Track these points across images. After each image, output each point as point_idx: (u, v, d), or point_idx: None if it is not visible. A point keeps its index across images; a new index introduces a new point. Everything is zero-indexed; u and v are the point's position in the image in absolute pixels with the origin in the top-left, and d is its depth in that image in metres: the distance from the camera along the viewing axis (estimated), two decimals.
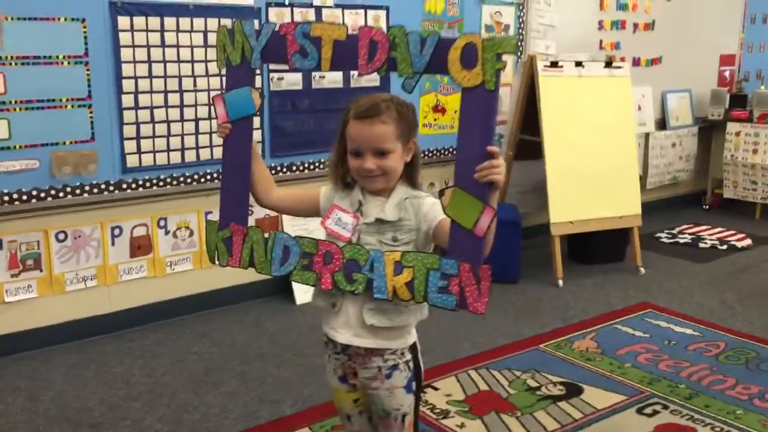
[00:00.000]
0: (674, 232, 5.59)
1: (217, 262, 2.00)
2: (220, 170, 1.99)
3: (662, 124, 5.92)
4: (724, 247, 5.23)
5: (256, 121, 3.70)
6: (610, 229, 4.58)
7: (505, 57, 1.57)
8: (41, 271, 3.37)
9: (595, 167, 4.45)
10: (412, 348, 1.88)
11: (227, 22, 3.56)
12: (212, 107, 2.01)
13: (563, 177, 4.36)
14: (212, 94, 3.59)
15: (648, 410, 2.90)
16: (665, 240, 5.40)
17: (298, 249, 1.83)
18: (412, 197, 1.81)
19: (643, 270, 4.62)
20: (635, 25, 5.48)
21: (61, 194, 3.29)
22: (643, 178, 5.51)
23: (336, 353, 1.89)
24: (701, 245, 5.27)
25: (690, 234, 5.53)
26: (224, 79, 1.93)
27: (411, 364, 1.87)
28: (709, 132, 6.25)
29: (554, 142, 4.36)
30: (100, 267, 3.52)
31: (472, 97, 1.61)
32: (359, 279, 1.75)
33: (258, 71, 3.62)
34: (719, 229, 5.64)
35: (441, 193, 1.66)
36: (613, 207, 4.55)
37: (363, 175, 1.79)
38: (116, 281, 3.58)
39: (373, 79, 3.94)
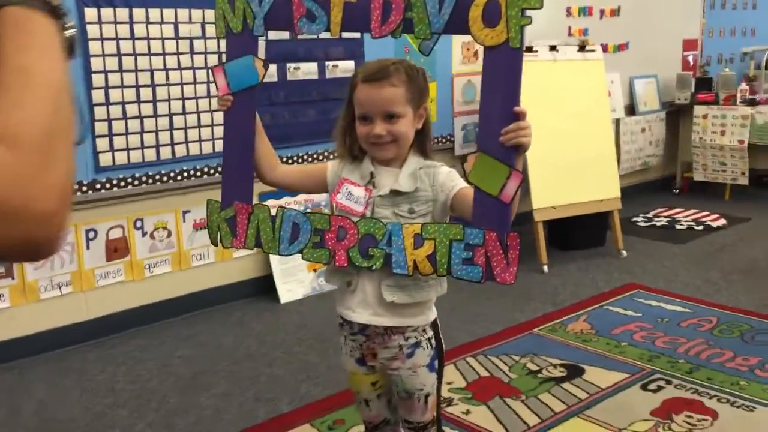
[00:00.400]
0: (650, 215, 5.62)
1: (220, 244, 1.87)
2: (222, 146, 1.87)
3: (631, 109, 5.96)
4: (700, 227, 5.26)
5: None
6: (588, 214, 4.56)
7: (528, 12, 1.50)
8: (13, 278, 3.20)
9: (573, 152, 4.43)
10: (434, 324, 1.79)
11: (198, 13, 3.44)
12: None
13: (543, 163, 4.32)
14: (185, 88, 3.47)
15: (652, 386, 2.86)
16: (642, 224, 5.41)
17: (309, 226, 1.73)
18: (426, 167, 1.73)
19: (624, 253, 4.62)
20: (602, 12, 5.50)
21: None
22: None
23: (353, 334, 1.79)
24: (678, 227, 5.30)
25: (665, 217, 5.56)
26: (216, 58, 1.82)
27: (433, 342, 1.78)
28: (676, 116, 6.31)
29: (533, 129, 4.30)
30: (75, 272, 3.36)
31: (495, 57, 1.54)
32: (376, 254, 1.66)
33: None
34: (693, 211, 5.68)
35: (463, 159, 1.59)
36: (594, 191, 4.53)
37: (372, 142, 1.69)
38: (93, 287, 3.42)
39: (348, 70, 3.86)
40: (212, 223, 1.86)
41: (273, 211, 1.78)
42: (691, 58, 6.49)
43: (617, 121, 5.73)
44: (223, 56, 1.80)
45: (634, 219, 5.50)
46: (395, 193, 1.69)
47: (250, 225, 1.80)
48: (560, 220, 4.58)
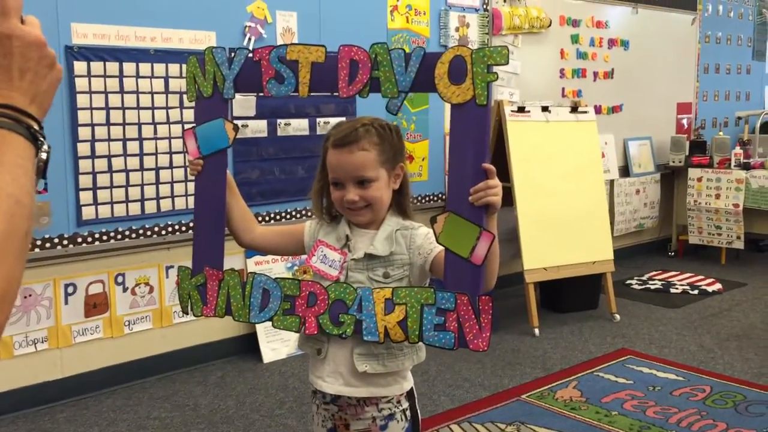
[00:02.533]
0: (644, 278, 5.54)
1: (190, 313, 1.82)
2: (193, 212, 1.83)
3: (626, 171, 5.94)
4: (695, 291, 5.18)
5: None
6: (581, 276, 4.50)
7: (494, 68, 1.48)
8: None
9: (566, 212, 4.39)
10: (409, 395, 1.71)
11: None
12: (182, 145, 1.86)
13: (535, 223, 4.29)
14: (174, 142, 3.45)
15: None
16: (636, 287, 5.33)
17: (280, 292, 1.68)
18: (403, 228, 1.67)
19: (618, 317, 4.53)
20: (595, 74, 5.54)
21: None
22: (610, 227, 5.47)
23: (325, 404, 1.71)
24: (672, 291, 5.22)
25: (660, 280, 5.49)
26: (192, 115, 1.79)
27: (408, 413, 1.70)
28: (671, 178, 6.30)
29: (524, 188, 4.29)
30: (51, 328, 3.27)
31: (462, 114, 1.51)
32: (347, 321, 1.60)
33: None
34: (688, 275, 5.61)
35: (433, 221, 1.53)
36: (586, 252, 4.48)
37: (346, 208, 1.65)
38: (69, 343, 3.33)
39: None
40: (183, 290, 1.82)
41: (244, 278, 1.73)
42: (685, 121, 6.51)
43: (611, 182, 5.71)
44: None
45: (629, 281, 5.42)
46: (370, 256, 1.64)
47: (221, 292, 1.76)
48: (552, 282, 4.51)
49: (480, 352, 1.51)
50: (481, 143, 1.50)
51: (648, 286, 5.35)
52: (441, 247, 1.61)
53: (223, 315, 1.77)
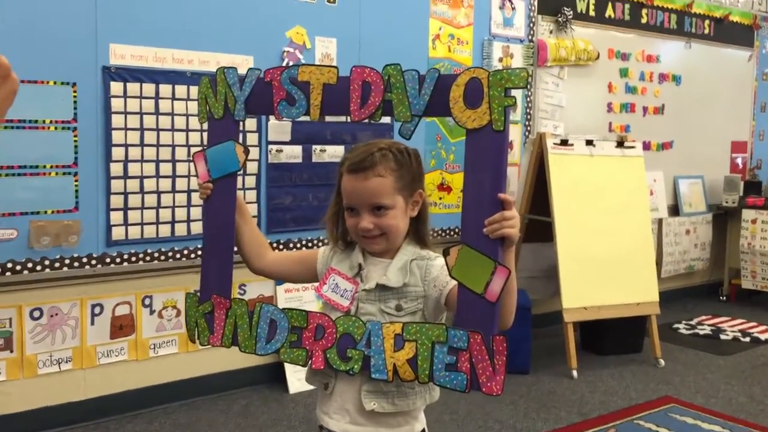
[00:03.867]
0: (693, 323, 5.29)
1: (197, 341, 1.75)
2: (201, 237, 1.77)
3: (675, 210, 5.73)
4: (747, 339, 4.92)
5: (252, 194, 3.56)
6: (625, 318, 4.31)
7: (513, 92, 1.38)
8: (12, 351, 3.10)
9: (609, 250, 4.23)
10: None
11: None
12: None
13: (576, 260, 4.13)
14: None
15: None
16: (684, 331, 5.09)
17: (287, 323, 1.60)
18: (419, 258, 1.57)
19: (662, 362, 4.31)
20: (645, 109, 5.37)
21: (38, 267, 3.06)
22: (657, 267, 5.26)
23: None
24: (722, 337, 4.96)
25: (709, 325, 5.23)
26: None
27: None
28: (723, 219, 6.05)
29: (566, 224, 4.15)
30: (76, 348, 3.24)
31: (478, 140, 1.41)
32: (354, 356, 1.51)
33: (257, 143, 3.49)
34: (740, 321, 5.34)
35: (446, 253, 1.43)
36: (629, 293, 4.29)
37: (360, 235, 1.56)
38: (93, 365, 3.29)
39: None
40: (190, 318, 1.76)
41: (252, 307, 1.66)
42: (740, 161, 6.27)
43: (660, 222, 5.51)
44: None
45: (676, 325, 5.18)
46: (382, 287, 1.55)
47: (228, 321, 1.69)
48: (594, 322, 4.33)
49: (493, 396, 1.40)
50: (498, 172, 1.40)
51: (696, 331, 5.10)
52: None
53: (230, 345, 1.70)
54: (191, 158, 1.77)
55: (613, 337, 4.49)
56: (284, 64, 3.56)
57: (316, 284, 1.66)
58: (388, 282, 1.54)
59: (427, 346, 1.45)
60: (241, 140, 1.71)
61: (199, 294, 1.74)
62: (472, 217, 1.42)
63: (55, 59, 3.01)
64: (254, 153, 3.55)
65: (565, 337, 4.14)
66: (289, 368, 3.72)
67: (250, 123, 3.52)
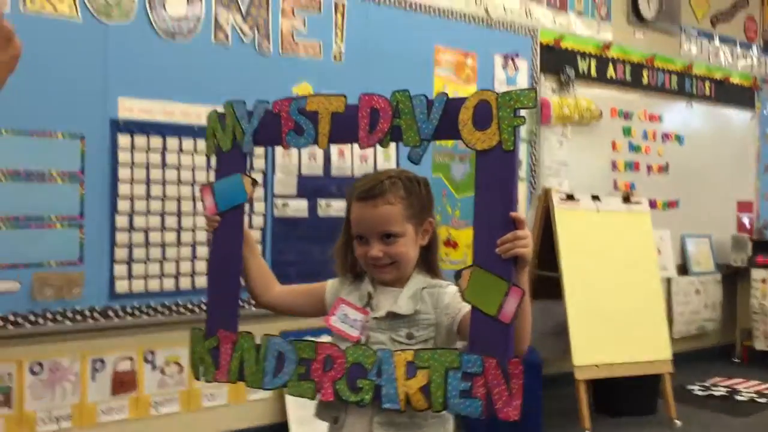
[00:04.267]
0: (707, 384, 5.17)
1: (202, 378, 1.70)
2: (207, 270, 1.75)
3: (683, 269, 5.67)
4: (763, 400, 4.79)
5: (257, 248, 3.53)
6: (638, 376, 4.21)
7: (522, 112, 1.38)
8: (10, 407, 3.02)
9: (619, 307, 4.17)
10: None
11: None
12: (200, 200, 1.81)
13: (585, 316, 4.06)
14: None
15: None
16: (698, 392, 4.97)
17: (295, 355, 1.55)
18: (430, 287, 1.54)
19: (678, 423, 4.19)
20: (649, 167, 5.39)
21: (40, 320, 3.01)
22: (669, 327, 5.18)
23: None
24: (738, 398, 4.84)
25: (724, 386, 5.11)
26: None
27: None
28: (733, 279, 5.98)
29: (574, 279, 4.10)
30: (76, 405, 3.16)
31: (488, 161, 1.40)
32: (365, 387, 1.46)
33: (263, 198, 3.49)
34: (755, 382, 5.22)
35: (457, 276, 1.40)
36: (642, 351, 4.20)
37: (370, 264, 1.54)
38: (93, 423, 3.20)
39: None
40: (195, 354, 1.72)
41: (258, 340, 1.62)
42: (746, 220, 6.25)
43: (668, 281, 5.45)
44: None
45: (690, 387, 5.06)
46: (393, 315, 1.51)
47: (234, 356, 1.64)
48: (607, 382, 4.23)
49: (510, 421, 1.34)
50: (508, 191, 1.38)
51: (711, 392, 4.98)
52: (470, 307, 1.47)
53: (236, 380, 1.65)
54: (200, 192, 1.75)
55: (626, 398, 4.37)
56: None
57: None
58: (399, 310, 1.51)
59: (440, 372, 1.40)
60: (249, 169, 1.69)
61: (204, 329, 1.70)
62: (483, 238, 1.39)
63: (64, 111, 3.04)
64: (260, 207, 3.54)
65: (577, 396, 4.03)
66: (294, 427, 3.61)
67: (256, 177, 3.53)
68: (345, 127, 1.53)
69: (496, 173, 1.39)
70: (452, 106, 1.43)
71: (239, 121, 1.66)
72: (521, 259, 1.35)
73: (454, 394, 1.38)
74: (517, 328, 1.36)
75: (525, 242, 1.34)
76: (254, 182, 1.68)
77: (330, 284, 1.67)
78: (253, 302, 1.76)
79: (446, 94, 1.45)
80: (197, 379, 1.71)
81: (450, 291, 1.53)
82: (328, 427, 1.57)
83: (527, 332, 1.40)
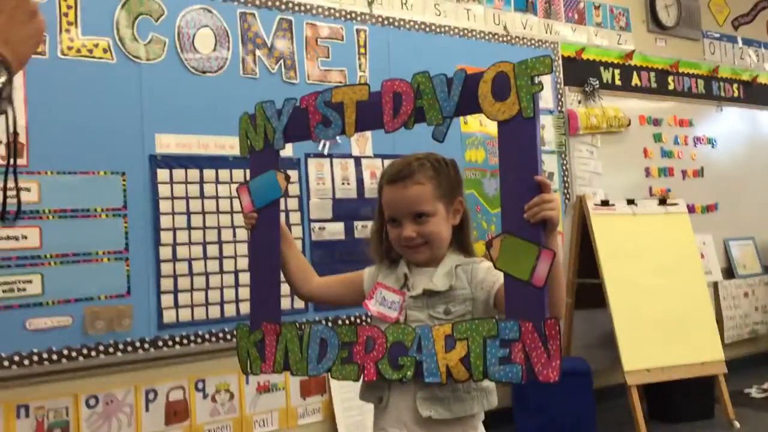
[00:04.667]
0: (765, 387, 5.03)
1: (250, 372, 1.75)
2: (249, 267, 1.81)
3: (729, 272, 5.57)
4: None
5: None
6: (692, 380, 4.13)
7: (538, 79, 1.43)
8: None
9: (665, 310, 4.11)
10: None
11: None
12: (237, 200, 1.88)
13: (632, 321, 4.02)
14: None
15: None
16: (756, 395, 4.84)
17: (337, 340, 1.60)
18: (464, 264, 1.59)
19: (737, 424, 4.09)
20: (683, 172, 5.36)
21: (93, 353, 3.10)
22: (719, 330, 5.07)
23: None
24: None
25: None
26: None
27: None
28: None
29: (616, 284, 4.07)
30: None
31: (510, 130, 1.45)
32: (406, 363, 1.49)
33: (300, 222, 3.56)
34: None
35: (488, 245, 1.44)
36: (693, 353, 4.13)
37: (404, 245, 1.59)
38: None
39: None
40: (241, 348, 1.77)
41: (301, 329, 1.67)
42: None
43: (715, 285, 5.36)
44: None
45: (747, 390, 4.93)
46: (429, 293, 1.55)
47: (279, 346, 1.69)
48: (660, 389, 4.16)
49: (550, 383, 1.35)
50: (532, 157, 1.43)
51: None
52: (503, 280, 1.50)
53: (282, 370, 1.70)
54: (236, 191, 1.83)
55: (681, 403, 4.28)
56: (321, 145, 3.69)
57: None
58: (435, 287, 1.55)
59: (478, 342, 1.43)
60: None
61: (249, 324, 1.76)
62: (511, 205, 1.43)
63: (106, 151, 3.17)
64: (297, 231, 3.62)
65: (630, 402, 3.96)
66: None
67: (292, 203, 3.61)
68: (370, 113, 1.60)
69: (518, 141, 1.44)
70: (471, 81, 1.49)
71: (269, 120, 1.74)
72: (549, 222, 1.38)
73: (493, 362, 1.41)
74: (550, 290, 1.38)
75: (552, 205, 1.37)
76: (287, 177, 1.75)
77: (367, 272, 1.72)
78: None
79: (464, 71, 1.50)
80: (245, 373, 1.76)
81: (484, 266, 1.56)
82: (374, 410, 1.60)
83: (561, 297, 1.43)
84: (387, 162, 1.69)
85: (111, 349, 3.14)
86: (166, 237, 3.30)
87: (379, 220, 1.67)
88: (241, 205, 1.79)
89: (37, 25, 0.87)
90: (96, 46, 3.18)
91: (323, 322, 3.59)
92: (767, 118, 6.07)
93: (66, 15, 3.12)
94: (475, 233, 4.20)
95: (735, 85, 5.83)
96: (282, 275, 1.76)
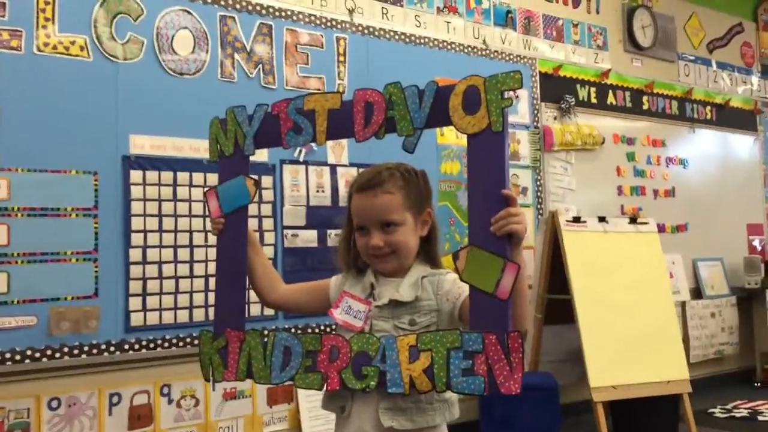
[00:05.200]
0: (728, 407, 5.10)
1: (212, 379, 1.74)
2: (215, 272, 1.80)
3: (697, 293, 5.65)
4: None
5: None
6: (657, 398, 4.16)
7: (508, 94, 1.45)
8: None
9: (632, 327, 4.15)
10: None
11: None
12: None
13: (600, 337, 4.05)
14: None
15: None
16: (720, 415, 4.90)
17: (301, 348, 1.59)
18: (431, 275, 1.59)
19: None
20: (655, 192, 5.43)
21: (57, 354, 3.06)
22: (685, 351, 5.13)
23: None
24: (761, 418, 4.76)
25: (746, 408, 5.04)
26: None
27: None
28: (748, 302, 5.94)
29: (585, 300, 4.10)
30: None
31: (479, 143, 1.47)
32: (370, 373, 1.50)
33: (272, 228, 3.55)
34: None
35: (455, 257, 1.45)
36: (658, 371, 4.17)
37: (371, 254, 1.59)
38: None
39: None
40: (204, 355, 1.77)
41: (265, 337, 1.67)
42: (757, 242, 6.24)
43: (683, 305, 5.42)
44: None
45: (711, 410, 4.99)
46: (395, 303, 1.56)
47: (242, 354, 1.68)
48: (626, 408, 4.19)
49: (512, 395, 1.36)
50: (500, 170, 1.44)
51: (733, 414, 4.90)
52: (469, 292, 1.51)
53: (244, 378, 1.69)
54: (204, 196, 1.83)
55: (646, 421, 4.31)
56: (297, 152, 3.69)
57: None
58: (401, 297, 1.55)
59: (442, 353, 1.44)
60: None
61: (213, 330, 1.75)
62: (478, 218, 1.44)
63: (78, 150, 3.14)
64: (269, 238, 3.61)
65: (596, 419, 3.99)
66: None
67: (266, 208, 3.60)
68: (342, 122, 1.60)
69: (487, 154, 1.45)
70: (442, 93, 1.50)
71: (240, 125, 1.74)
72: (515, 236, 1.39)
73: (456, 373, 1.41)
74: (514, 303, 1.39)
75: (518, 219, 1.39)
76: (256, 183, 1.75)
77: (333, 280, 1.73)
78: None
79: (436, 83, 1.52)
80: (207, 380, 1.75)
81: (450, 278, 1.57)
82: (336, 419, 1.60)
83: (525, 310, 1.44)
84: (351, 183, 1.69)
85: (76, 351, 3.10)
86: (136, 239, 3.27)
87: (348, 228, 1.67)
88: (209, 210, 1.79)
89: None
90: (73, 43, 3.15)
91: (292, 329, 3.58)
92: (738, 141, 6.18)
93: (43, 11, 3.09)
94: (448, 245, 4.23)
95: (708, 108, 5.93)
96: (248, 282, 1.76)
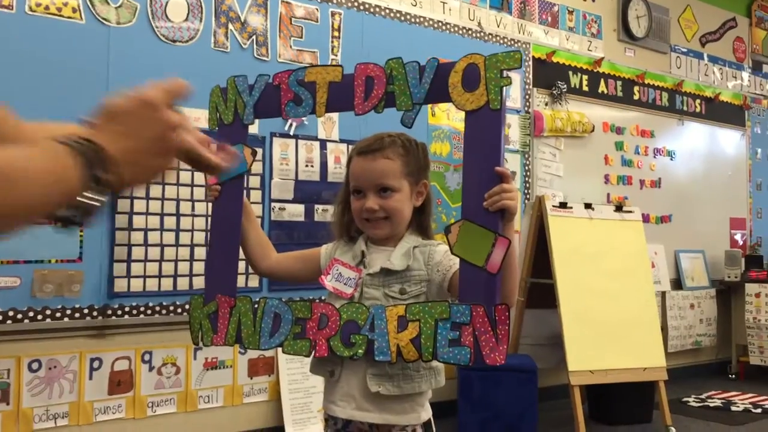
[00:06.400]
0: (702, 397, 5.18)
1: (200, 342, 1.74)
2: (208, 237, 1.80)
3: (678, 284, 5.71)
4: (759, 410, 4.80)
5: None
6: (633, 385, 4.22)
7: (507, 73, 1.45)
8: (8, 404, 3.04)
9: (612, 314, 4.19)
10: (427, 426, 1.57)
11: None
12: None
13: (580, 322, 4.09)
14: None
15: None
16: (694, 404, 4.97)
17: (291, 315, 1.60)
18: (422, 245, 1.61)
19: (674, 429, 4.19)
20: (641, 182, 5.47)
21: (39, 317, 3.05)
22: (663, 340, 5.20)
23: (336, 431, 1.57)
24: (733, 409, 4.84)
25: (720, 399, 5.12)
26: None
27: None
28: (727, 295, 6.02)
29: (568, 286, 4.14)
30: (73, 404, 3.18)
31: (476, 120, 1.47)
32: (358, 341, 1.51)
33: (260, 200, 3.54)
34: (751, 395, 5.23)
35: (447, 231, 1.45)
36: (636, 358, 4.22)
37: (365, 218, 1.60)
38: (90, 421, 3.22)
39: None
40: (194, 319, 1.76)
41: (256, 303, 1.67)
42: (739, 237, 6.31)
43: (663, 295, 5.48)
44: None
45: (685, 399, 5.07)
46: (386, 272, 1.57)
47: (232, 319, 1.69)
48: (601, 391, 4.24)
49: (497, 366, 1.38)
50: (495, 147, 1.45)
51: (707, 403, 4.98)
52: (459, 265, 1.52)
53: (233, 343, 1.69)
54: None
55: (621, 407, 4.38)
56: (288, 125, 3.68)
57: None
58: (392, 266, 1.56)
59: (430, 324, 1.45)
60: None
61: (204, 295, 1.75)
62: (472, 193, 1.45)
63: (66, 110, 3.03)
64: (257, 210, 3.60)
65: (572, 402, 4.04)
66: (290, 430, 3.63)
67: (254, 180, 3.59)
68: (342, 95, 1.60)
69: (484, 131, 1.46)
70: (443, 70, 1.50)
71: (241, 95, 1.73)
72: (508, 212, 1.40)
73: (443, 343, 1.43)
74: (503, 278, 1.41)
75: (511, 195, 1.40)
76: (254, 152, 1.75)
77: (325, 248, 1.73)
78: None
79: (437, 59, 1.52)
80: (195, 344, 1.75)
81: (441, 249, 1.59)
82: (325, 383, 1.61)
83: (514, 285, 1.45)
84: (352, 147, 1.69)
85: (58, 314, 3.10)
86: (122, 205, 3.25)
87: (345, 192, 1.68)
88: (205, 177, 1.78)
89: (168, 163, 0.81)
90: (65, 4, 3.11)
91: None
92: (726, 135, 6.23)
93: None
94: (435, 225, 4.23)
95: (698, 101, 5.96)
96: (241, 250, 1.76)
